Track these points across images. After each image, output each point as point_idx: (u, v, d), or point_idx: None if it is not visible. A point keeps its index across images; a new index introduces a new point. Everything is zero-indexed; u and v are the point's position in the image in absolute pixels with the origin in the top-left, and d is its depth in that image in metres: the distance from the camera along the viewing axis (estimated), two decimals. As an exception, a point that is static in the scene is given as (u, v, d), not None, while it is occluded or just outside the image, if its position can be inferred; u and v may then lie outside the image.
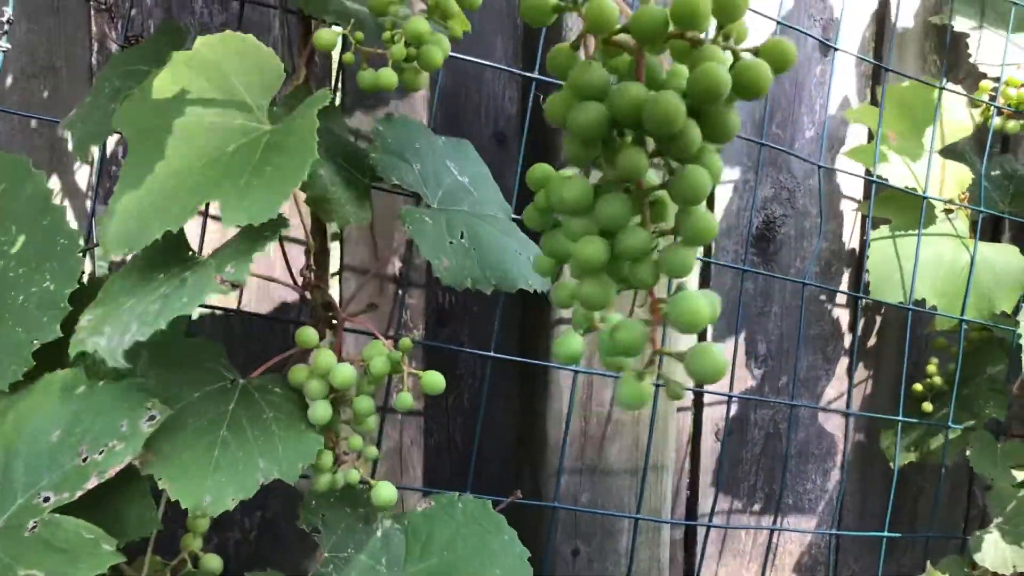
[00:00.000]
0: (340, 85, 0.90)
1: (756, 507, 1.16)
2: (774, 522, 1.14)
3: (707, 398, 1.12)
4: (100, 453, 0.53)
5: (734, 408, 1.14)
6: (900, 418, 0.98)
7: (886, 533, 0.96)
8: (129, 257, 0.57)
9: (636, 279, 0.40)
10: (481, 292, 1.05)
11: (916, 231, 1.00)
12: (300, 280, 0.66)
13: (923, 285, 0.98)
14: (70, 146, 0.68)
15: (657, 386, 0.90)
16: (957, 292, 0.99)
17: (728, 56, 0.38)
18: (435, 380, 0.62)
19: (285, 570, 0.96)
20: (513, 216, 0.75)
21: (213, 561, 0.69)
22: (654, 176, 0.42)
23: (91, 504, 0.53)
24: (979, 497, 1.26)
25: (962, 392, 1.03)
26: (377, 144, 0.69)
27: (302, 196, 0.65)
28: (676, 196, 0.39)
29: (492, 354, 0.82)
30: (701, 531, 1.14)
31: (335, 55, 0.90)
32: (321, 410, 0.60)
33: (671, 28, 0.38)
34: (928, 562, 0.99)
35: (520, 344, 0.98)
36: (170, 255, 0.57)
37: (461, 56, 0.84)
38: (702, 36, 0.39)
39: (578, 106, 0.38)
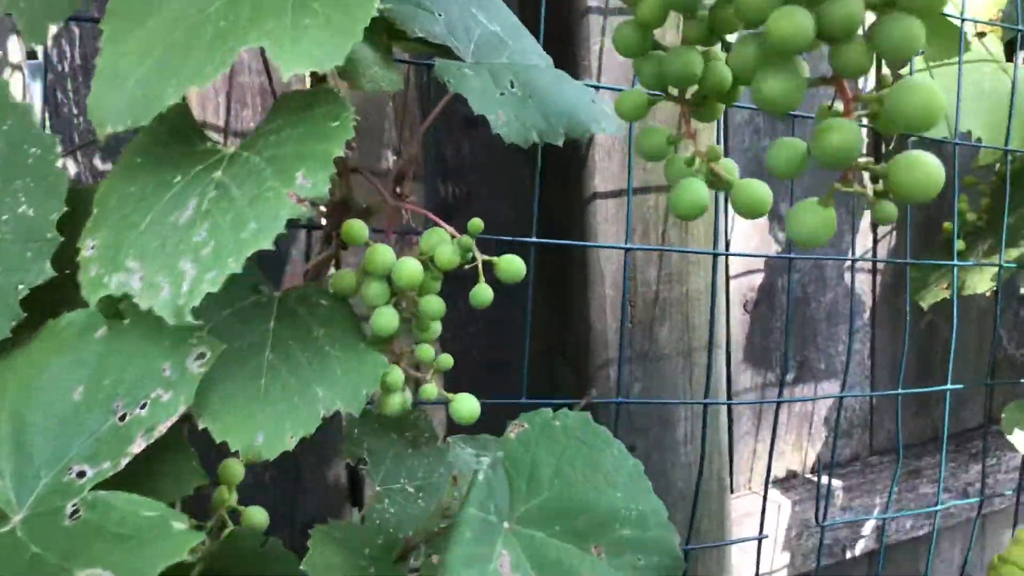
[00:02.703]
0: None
1: (790, 376, 1.10)
2: (815, 391, 1.09)
3: (732, 269, 1.04)
4: (142, 407, 0.40)
5: (760, 277, 1.06)
6: (955, 263, 0.92)
7: (950, 386, 0.90)
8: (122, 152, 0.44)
9: (844, 63, 0.31)
10: (488, 178, 0.94)
11: (951, 60, 0.91)
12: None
13: (967, 117, 0.90)
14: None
15: (715, 255, 0.81)
16: (1000, 121, 0.91)
17: None
18: (515, 266, 0.51)
19: (311, 511, 0.86)
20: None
21: (257, 515, 0.58)
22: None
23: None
24: (1005, 340, 1.23)
25: (1000, 227, 0.97)
26: (388, -10, 0.55)
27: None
28: None
29: (534, 240, 0.71)
30: (737, 408, 1.08)
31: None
32: (387, 317, 0.49)
33: None
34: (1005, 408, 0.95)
35: (540, 229, 0.87)
36: (178, 145, 0.44)
37: None
38: None
39: None
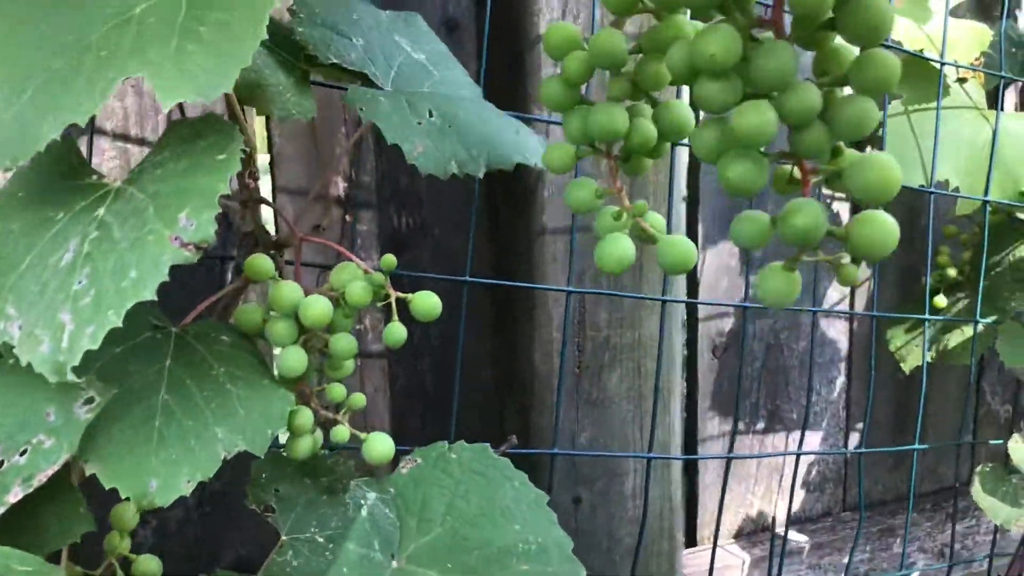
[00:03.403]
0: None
1: (760, 426, 1.06)
2: (786, 442, 1.04)
3: (702, 312, 1.00)
4: (22, 454, 0.38)
5: (731, 321, 1.02)
6: (927, 316, 0.88)
7: (917, 446, 0.86)
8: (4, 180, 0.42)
9: (805, 147, 0.31)
10: (442, 211, 0.91)
11: (930, 105, 0.88)
12: (237, 195, 0.51)
13: (945, 165, 0.87)
14: None
15: (664, 301, 0.77)
16: (979, 170, 0.87)
17: None
18: (430, 304, 0.49)
19: (242, 550, 0.82)
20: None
21: (149, 564, 0.54)
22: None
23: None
24: (988, 395, 1.18)
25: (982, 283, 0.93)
26: (302, 16, 0.53)
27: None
28: (851, 32, 0.30)
29: (468, 279, 0.68)
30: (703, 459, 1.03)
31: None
32: (294, 358, 0.47)
33: None
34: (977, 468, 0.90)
35: (494, 266, 0.84)
36: (62, 178, 0.41)
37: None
38: None
39: None
